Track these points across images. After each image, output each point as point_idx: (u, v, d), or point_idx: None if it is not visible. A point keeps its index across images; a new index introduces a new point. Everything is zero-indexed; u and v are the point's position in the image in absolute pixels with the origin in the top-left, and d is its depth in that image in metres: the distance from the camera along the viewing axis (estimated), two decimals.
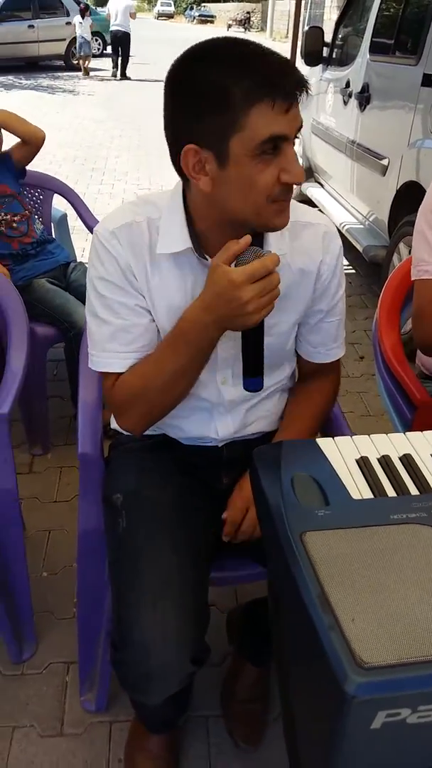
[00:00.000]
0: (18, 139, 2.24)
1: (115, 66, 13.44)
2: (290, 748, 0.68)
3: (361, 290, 3.62)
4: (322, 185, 4.71)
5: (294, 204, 1.00)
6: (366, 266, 3.70)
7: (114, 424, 1.26)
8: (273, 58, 0.86)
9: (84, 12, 12.87)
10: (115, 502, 1.15)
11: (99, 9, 23.49)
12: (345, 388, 2.84)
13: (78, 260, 2.48)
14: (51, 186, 2.55)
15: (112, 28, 12.77)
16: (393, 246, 3.04)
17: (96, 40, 16.00)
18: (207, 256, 1.01)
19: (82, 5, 13.30)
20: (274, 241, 1.03)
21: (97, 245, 1.02)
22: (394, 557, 0.62)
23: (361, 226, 3.69)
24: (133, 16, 12.84)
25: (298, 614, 0.58)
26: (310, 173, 4.97)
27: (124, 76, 13.41)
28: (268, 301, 0.90)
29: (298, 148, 5.23)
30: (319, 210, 4.45)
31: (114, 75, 13.49)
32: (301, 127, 0.90)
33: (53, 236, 2.53)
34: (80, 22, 12.80)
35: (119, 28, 12.59)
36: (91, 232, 2.57)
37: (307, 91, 0.87)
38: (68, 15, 13.70)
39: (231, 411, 1.17)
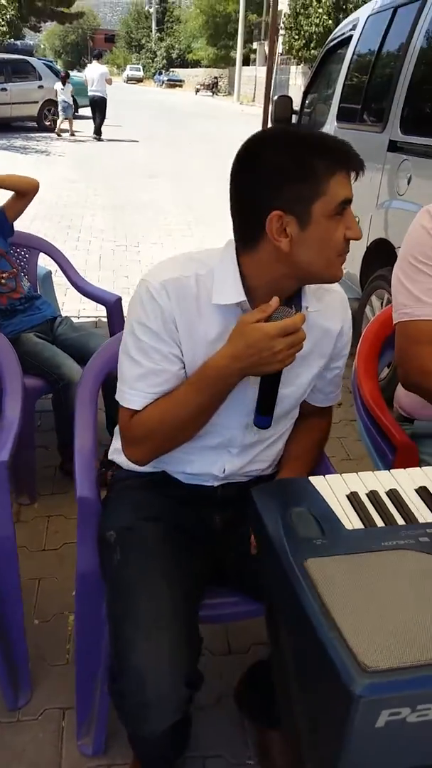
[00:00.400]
0: (7, 196, 2.37)
1: (96, 129, 14.04)
2: (296, 761, 0.74)
3: None
4: None
5: None
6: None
7: (111, 456, 1.36)
8: (338, 139, 1.05)
9: (65, 79, 13.68)
10: (109, 539, 1.21)
11: (73, 74, 24.43)
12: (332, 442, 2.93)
13: (64, 316, 2.57)
14: (37, 245, 2.66)
15: (90, 93, 13.39)
16: (365, 298, 3.21)
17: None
18: None
19: (63, 73, 14.22)
20: (311, 300, 1.15)
21: (144, 294, 1.11)
22: (388, 577, 0.70)
23: None
24: (109, 82, 13.52)
25: (304, 632, 0.65)
26: None
27: (98, 136, 13.98)
28: (294, 353, 1.03)
29: None
30: None
31: (95, 137, 14.08)
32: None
33: (39, 293, 2.62)
34: (61, 88, 13.54)
35: (96, 93, 13.24)
36: (77, 289, 2.70)
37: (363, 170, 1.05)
38: (40, 79, 14.27)
39: (243, 452, 1.26)
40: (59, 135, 14.07)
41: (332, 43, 4.17)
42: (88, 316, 3.93)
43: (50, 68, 15.50)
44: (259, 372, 1.05)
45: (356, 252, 3.34)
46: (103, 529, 1.26)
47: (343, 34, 3.95)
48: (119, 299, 2.61)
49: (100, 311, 3.78)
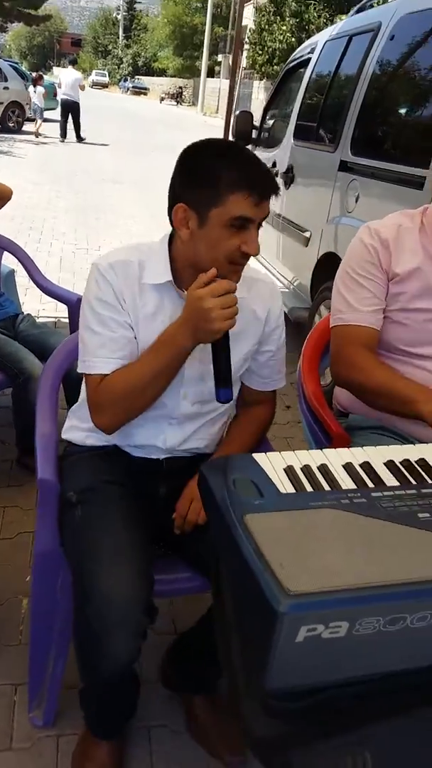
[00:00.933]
0: None
1: (63, 131, 14.26)
2: (230, 681, 0.85)
3: (288, 348, 3.93)
4: None
5: (249, 266, 1.35)
6: (291, 326, 4.03)
7: (65, 435, 1.49)
8: (259, 165, 1.19)
9: (36, 81, 14.11)
10: (70, 499, 1.34)
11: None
12: (273, 433, 3.06)
13: (26, 313, 2.64)
14: (1, 244, 2.73)
15: (62, 96, 13.66)
16: (315, 308, 3.38)
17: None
18: (184, 290, 1.27)
19: (35, 75, 14.61)
20: (239, 287, 1.29)
21: (96, 274, 1.29)
22: (312, 528, 0.83)
23: (287, 290, 4.04)
24: (82, 87, 13.93)
25: (242, 571, 0.77)
26: None
27: (79, 139, 14.35)
28: (229, 314, 1.17)
29: None
30: None
31: (61, 140, 14.28)
32: (267, 215, 1.21)
33: (1, 290, 2.69)
34: (34, 91, 13.94)
35: (68, 98, 13.56)
36: (40, 288, 2.78)
37: (276, 195, 1.20)
38: (6, 80, 14.18)
39: (182, 425, 1.40)
40: (37, 136, 14.31)
41: (292, 64, 4.37)
42: (48, 316, 3.99)
43: (16, 70, 15.44)
44: (204, 334, 1.19)
45: (307, 264, 3.51)
46: (65, 492, 1.38)
47: (303, 55, 4.15)
48: (81, 299, 2.69)
49: (60, 312, 3.84)
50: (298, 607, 0.69)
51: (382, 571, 0.74)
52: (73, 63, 14.79)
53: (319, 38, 3.93)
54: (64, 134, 14.26)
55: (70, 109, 13.83)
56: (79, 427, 1.49)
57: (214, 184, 1.16)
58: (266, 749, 0.82)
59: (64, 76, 13.80)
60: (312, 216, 3.48)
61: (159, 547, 1.43)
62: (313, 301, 3.45)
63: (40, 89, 14.20)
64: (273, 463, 1.04)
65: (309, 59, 3.95)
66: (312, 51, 3.94)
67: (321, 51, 3.77)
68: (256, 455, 1.06)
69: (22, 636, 1.78)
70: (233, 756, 1.47)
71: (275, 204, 4.15)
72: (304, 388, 1.71)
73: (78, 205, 7.94)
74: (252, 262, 4.79)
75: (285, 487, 0.96)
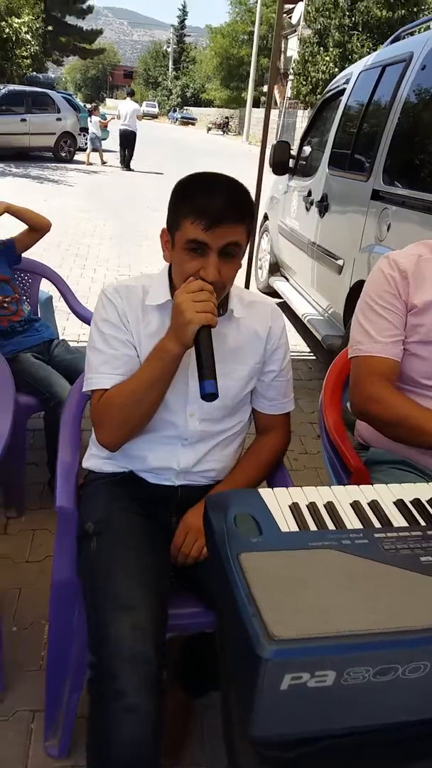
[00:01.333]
0: (21, 228, 2.54)
1: (122, 159, 15.06)
2: (225, 724, 0.84)
3: (320, 375, 3.92)
4: (287, 279, 5.11)
5: (246, 291, 1.49)
6: (324, 353, 4.01)
7: (85, 464, 1.51)
8: (214, 193, 1.23)
9: (92, 112, 15.05)
10: (87, 530, 1.35)
11: (89, 107, 25.17)
12: (303, 463, 3.05)
13: (60, 338, 2.70)
14: (40, 271, 2.81)
15: (121, 127, 14.42)
16: (348, 336, 3.34)
17: (84, 135, 17.13)
18: None
19: (90, 106, 15.63)
20: (236, 307, 1.41)
21: (103, 298, 1.38)
22: (309, 569, 0.81)
23: (321, 318, 4.02)
24: (139, 118, 14.67)
25: (233, 611, 0.77)
26: (277, 268, 5.38)
27: (128, 168, 15.00)
28: (201, 308, 1.19)
29: (266, 245, 5.68)
30: (284, 301, 4.82)
31: (123, 168, 15.07)
32: (234, 243, 1.25)
33: (39, 316, 2.76)
34: (91, 121, 14.81)
35: (127, 128, 14.31)
36: (75, 314, 2.85)
37: (238, 221, 1.24)
38: (59, 111, 14.74)
39: (194, 446, 1.41)
40: (89, 164, 15.14)
41: (329, 93, 4.41)
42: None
43: (69, 102, 16.03)
44: (180, 329, 1.21)
45: (340, 292, 3.50)
46: (82, 523, 1.39)
47: (338, 86, 4.18)
48: None
49: None
50: (282, 653, 0.67)
51: (373, 618, 0.72)
52: (131, 95, 15.35)
53: (354, 69, 3.95)
54: (124, 163, 14.99)
55: (128, 139, 14.57)
56: (97, 455, 1.51)
57: (177, 209, 1.27)
58: None
59: (123, 108, 14.50)
60: (345, 244, 3.47)
61: (173, 580, 1.42)
62: (345, 329, 3.43)
63: (95, 119, 14.96)
64: (278, 500, 1.03)
65: (344, 89, 3.98)
66: (347, 81, 3.97)
67: (356, 81, 3.79)
68: (262, 491, 1.05)
69: (44, 661, 1.78)
70: (167, 759, 1.49)
71: (311, 232, 4.16)
72: (325, 420, 1.69)
73: (123, 232, 8.12)
74: (286, 288, 4.81)
75: (288, 524, 0.95)
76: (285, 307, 5.34)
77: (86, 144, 15.88)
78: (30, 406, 2.34)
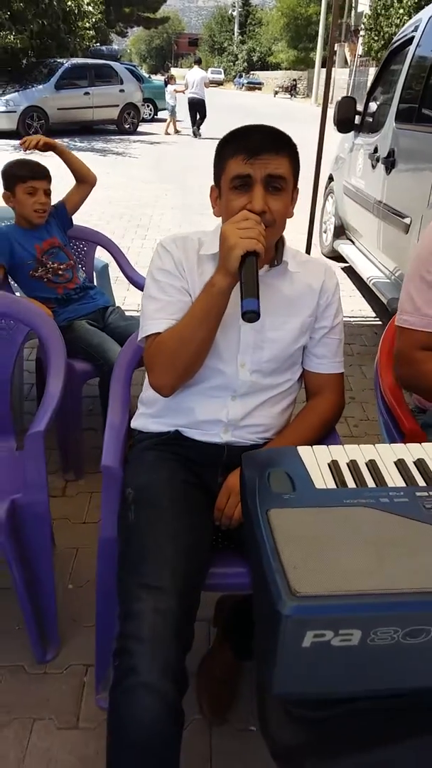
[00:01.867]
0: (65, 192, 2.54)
1: (194, 126, 15.09)
2: (259, 681, 0.82)
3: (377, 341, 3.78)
4: (353, 242, 4.94)
5: (301, 252, 1.49)
6: (389, 318, 3.86)
7: (133, 423, 1.53)
8: (253, 129, 1.31)
9: (169, 81, 15.46)
10: (128, 497, 1.34)
11: (153, 77, 25.10)
12: (364, 430, 2.97)
13: (116, 306, 2.71)
14: (95, 239, 2.82)
15: (189, 95, 14.53)
16: None
17: (147, 106, 17.07)
18: None
19: (166, 76, 16.02)
20: (290, 261, 1.42)
21: (160, 249, 1.41)
22: (339, 527, 0.77)
23: (387, 281, 3.87)
24: (207, 85, 14.82)
25: (259, 567, 0.74)
26: (342, 231, 5.21)
27: (198, 136, 15.00)
28: (245, 234, 1.19)
29: (331, 207, 5.51)
30: (349, 266, 4.67)
31: (194, 134, 15.10)
32: (276, 175, 1.26)
33: (95, 283, 2.78)
34: (167, 91, 15.19)
35: (195, 95, 14.45)
36: (130, 281, 2.85)
37: (280, 152, 1.27)
38: (121, 83, 14.72)
39: (243, 399, 1.40)
40: (167, 134, 15.36)
41: (396, 44, 4.17)
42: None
43: (132, 72, 15.98)
44: (226, 256, 1.22)
45: (407, 253, 3.34)
46: (124, 486, 1.40)
47: (406, 35, 3.94)
48: None
49: None
50: (303, 609, 0.64)
51: (405, 577, 0.67)
52: (198, 62, 15.41)
53: (424, 15, 3.71)
54: (195, 128, 14.96)
55: (198, 106, 14.60)
56: (144, 414, 1.51)
57: (220, 158, 1.32)
58: (286, 757, 0.78)
59: (191, 76, 14.54)
60: (412, 201, 3.30)
61: (218, 540, 1.41)
62: None
63: (171, 87, 15.15)
64: (317, 457, 0.99)
65: (413, 37, 3.75)
66: (416, 29, 3.73)
67: (425, 28, 3.56)
68: (300, 449, 1.01)
69: None
70: (213, 714, 1.55)
71: (377, 191, 3.99)
72: (381, 382, 1.62)
73: (185, 202, 8.07)
74: (351, 252, 4.63)
75: (325, 482, 0.91)
76: (350, 272, 5.18)
77: (150, 114, 15.86)
78: (85, 372, 2.36)
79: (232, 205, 1.29)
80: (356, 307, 4.61)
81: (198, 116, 14.83)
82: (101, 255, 2.96)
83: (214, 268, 1.32)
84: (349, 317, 4.39)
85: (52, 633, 1.74)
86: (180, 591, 1.15)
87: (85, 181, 2.58)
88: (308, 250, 4.70)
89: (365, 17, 20.34)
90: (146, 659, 1.06)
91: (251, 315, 1.17)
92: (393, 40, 4.29)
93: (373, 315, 4.43)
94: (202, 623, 1.81)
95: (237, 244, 1.19)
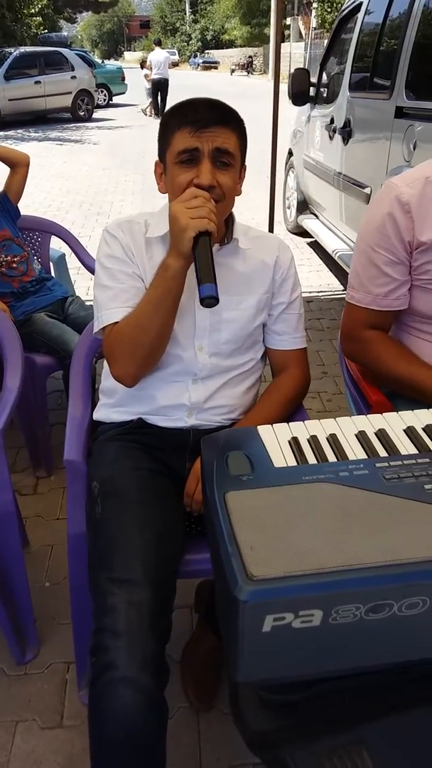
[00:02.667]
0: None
1: (156, 108, 15.04)
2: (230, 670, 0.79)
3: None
4: (317, 216, 4.91)
5: (253, 228, 1.46)
6: None
7: (95, 415, 1.48)
8: (199, 102, 1.26)
9: (143, 65, 15.68)
10: (93, 490, 1.30)
11: (106, 62, 24.64)
12: (337, 404, 2.97)
13: (75, 295, 2.65)
14: (48, 229, 2.75)
15: (154, 76, 14.61)
16: None
17: (102, 92, 16.78)
18: None
19: (143, 58, 16.12)
20: (241, 238, 1.39)
21: (106, 234, 1.36)
22: (298, 505, 0.74)
23: (352, 253, 3.84)
24: (171, 65, 15.01)
25: (217, 552, 0.71)
26: (305, 206, 5.17)
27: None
28: (196, 213, 1.16)
29: (292, 182, 5.46)
30: (315, 241, 4.64)
31: (156, 115, 15.07)
32: (223, 150, 1.23)
33: (52, 274, 2.71)
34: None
35: (161, 76, 14.48)
36: (88, 269, 2.79)
37: (225, 124, 1.24)
38: (73, 69, 14.45)
39: (205, 381, 1.37)
40: (148, 115, 15.43)
41: (345, 11, 4.11)
42: None
43: (84, 58, 15.67)
44: (177, 237, 1.18)
45: None
46: (89, 480, 1.36)
47: (354, 2, 3.89)
48: None
49: None
50: (260, 594, 0.61)
51: (364, 552, 0.65)
52: (158, 43, 15.46)
53: None
54: (158, 112, 14.81)
55: (161, 87, 14.61)
56: (105, 404, 1.47)
57: (165, 130, 1.28)
58: (260, 744, 0.76)
59: (155, 57, 14.62)
60: (371, 170, 3.27)
61: (192, 527, 1.38)
62: None
63: (145, 72, 15.17)
64: (278, 436, 0.96)
65: (360, 4, 3.70)
66: None
67: None
68: (261, 428, 0.98)
69: None
70: (199, 702, 1.54)
71: (336, 162, 3.95)
72: (344, 353, 1.59)
73: (145, 187, 7.95)
74: (315, 226, 4.60)
75: (285, 460, 0.88)
76: (317, 247, 5.15)
77: (104, 100, 15.61)
78: (48, 366, 2.31)
79: (178, 180, 1.24)
80: (324, 282, 4.59)
81: (160, 97, 14.75)
82: (58, 245, 2.89)
83: (164, 251, 1.29)
84: (318, 292, 4.37)
85: (31, 633, 1.71)
86: (153, 581, 1.12)
87: (17, 164, 2.48)
88: (271, 228, 4.65)
89: None
90: (123, 653, 1.03)
91: (210, 300, 1.14)
92: (342, 8, 4.23)
93: (342, 288, 4.42)
94: (185, 610, 1.79)
95: (188, 224, 1.15)
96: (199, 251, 1.17)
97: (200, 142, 1.22)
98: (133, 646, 1.03)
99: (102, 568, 1.15)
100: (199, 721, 1.52)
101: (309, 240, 5.37)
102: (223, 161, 1.24)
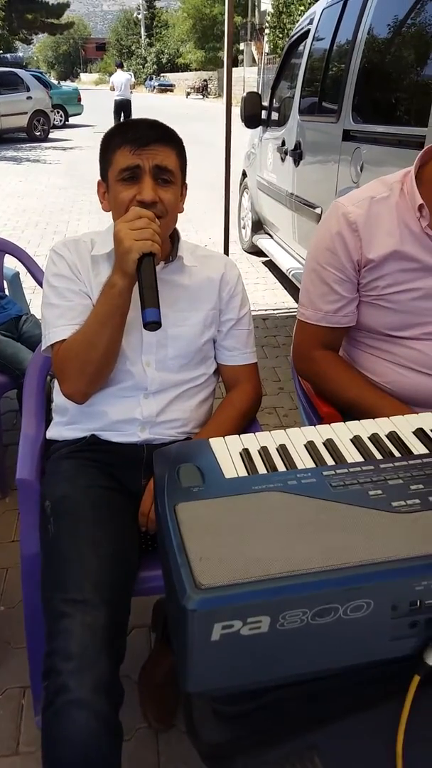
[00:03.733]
0: None
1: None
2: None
3: None
4: (271, 236, 4.99)
5: (200, 247, 1.49)
6: None
7: (48, 434, 1.47)
8: (139, 121, 1.31)
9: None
10: (46, 510, 1.28)
11: (62, 83, 24.69)
12: (294, 419, 3.00)
13: (30, 313, 2.63)
14: (2, 247, 2.72)
15: (117, 97, 14.88)
16: None
17: (58, 113, 16.80)
18: None
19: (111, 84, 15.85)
20: (186, 255, 1.42)
21: (52, 254, 1.38)
22: (247, 514, 0.76)
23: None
24: (132, 87, 15.27)
25: (167, 563, 0.71)
26: (260, 226, 5.26)
27: None
28: (138, 235, 1.18)
29: (247, 203, 5.55)
30: (270, 259, 4.71)
31: None
32: (164, 167, 1.26)
33: (6, 293, 2.69)
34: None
35: (123, 97, 14.77)
36: (41, 286, 2.77)
37: (164, 143, 1.27)
38: (28, 90, 14.43)
39: (156, 396, 1.38)
40: None
41: (294, 37, 4.24)
42: None
43: (39, 79, 15.68)
44: (121, 258, 1.20)
45: None
46: (42, 499, 1.34)
47: (302, 27, 4.01)
48: None
49: None
50: (208, 602, 0.62)
51: (310, 558, 0.66)
52: (120, 66, 15.90)
53: (318, 7, 3.78)
54: None
55: (124, 107, 14.82)
56: (58, 422, 1.46)
57: (107, 149, 1.31)
58: (215, 756, 0.76)
59: (116, 79, 15.02)
60: (321, 191, 3.36)
61: (147, 544, 1.37)
62: None
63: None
64: (229, 447, 0.98)
65: (308, 30, 3.82)
66: (311, 21, 3.80)
67: (319, 20, 3.63)
68: (212, 440, 1.00)
69: None
70: (158, 723, 1.52)
71: (287, 183, 4.04)
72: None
73: (100, 207, 7.95)
74: (270, 246, 4.67)
75: (237, 471, 0.89)
76: (272, 266, 5.24)
77: (61, 121, 15.66)
78: (2, 385, 2.28)
79: (120, 197, 1.27)
80: (279, 300, 4.66)
81: (123, 117, 14.86)
82: (12, 264, 2.87)
83: (110, 268, 1.30)
84: (273, 309, 4.43)
85: None
86: (107, 602, 1.10)
87: None
88: (226, 247, 4.71)
89: (269, 15, 20.66)
90: (76, 676, 1.01)
91: (153, 325, 1.16)
92: (291, 34, 4.36)
93: (296, 306, 4.48)
94: (142, 630, 1.78)
95: (132, 246, 1.17)
96: (143, 273, 1.19)
97: (141, 159, 1.25)
98: (86, 669, 1.02)
99: (55, 588, 1.13)
100: (159, 741, 1.50)
101: (264, 259, 5.45)
102: (164, 178, 1.27)
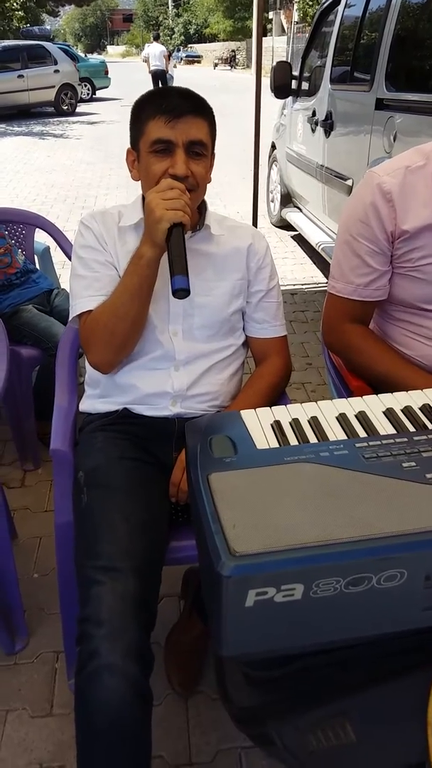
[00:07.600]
0: None
1: None
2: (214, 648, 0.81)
3: None
4: (300, 209, 4.92)
5: (228, 217, 1.50)
6: None
7: (81, 407, 1.49)
8: (173, 92, 1.29)
9: (167, 58, 16.17)
10: (79, 480, 1.31)
11: (89, 56, 24.48)
12: (321, 394, 2.99)
13: (61, 288, 2.65)
14: (33, 221, 2.73)
15: (152, 68, 15.56)
16: None
17: (85, 86, 16.69)
18: None
19: (166, 53, 16.38)
20: (214, 225, 1.42)
21: (81, 226, 1.40)
22: (279, 485, 0.76)
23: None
24: (167, 58, 15.79)
25: (201, 531, 0.72)
26: (289, 199, 5.19)
27: None
28: (170, 205, 1.18)
29: (276, 176, 5.47)
30: (299, 233, 4.65)
31: None
32: (197, 140, 1.26)
33: (37, 267, 2.71)
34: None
35: (158, 68, 15.46)
36: (71, 261, 2.78)
37: (199, 114, 1.27)
38: (56, 63, 14.34)
39: (186, 368, 1.39)
40: None
41: (325, 5, 4.13)
42: None
43: (67, 52, 15.57)
44: (152, 228, 1.20)
45: None
46: (75, 470, 1.36)
47: None
48: None
49: None
50: (243, 569, 0.63)
51: (344, 527, 0.66)
52: (156, 38, 16.33)
53: None
54: None
55: (160, 77, 15.30)
56: (90, 395, 1.48)
57: (139, 118, 1.30)
58: (246, 720, 0.78)
59: (152, 50, 15.73)
60: (352, 162, 3.30)
61: (178, 515, 1.39)
62: None
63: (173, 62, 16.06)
64: (260, 419, 0.98)
65: None
66: None
67: None
68: (244, 412, 1.00)
69: None
70: (181, 688, 1.56)
71: (318, 155, 3.97)
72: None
73: (128, 181, 7.89)
74: (299, 219, 4.64)
75: (268, 442, 0.90)
76: (301, 240, 5.17)
77: (88, 95, 15.67)
78: (34, 358, 2.31)
79: (153, 170, 1.27)
80: (308, 274, 4.61)
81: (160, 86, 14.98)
82: (42, 238, 2.88)
83: (137, 238, 1.31)
84: (302, 284, 4.39)
85: (20, 624, 1.72)
86: (137, 570, 1.13)
87: None
88: (255, 221, 4.67)
89: None
90: (107, 642, 1.03)
91: (181, 293, 1.17)
92: (322, 1, 4.24)
93: (325, 281, 4.44)
94: (172, 599, 1.81)
95: (163, 216, 1.17)
96: (172, 242, 1.19)
97: (174, 133, 1.24)
98: (117, 634, 1.04)
99: (87, 556, 1.16)
100: (188, 706, 1.54)
101: (293, 233, 5.39)
102: (196, 151, 1.27)
